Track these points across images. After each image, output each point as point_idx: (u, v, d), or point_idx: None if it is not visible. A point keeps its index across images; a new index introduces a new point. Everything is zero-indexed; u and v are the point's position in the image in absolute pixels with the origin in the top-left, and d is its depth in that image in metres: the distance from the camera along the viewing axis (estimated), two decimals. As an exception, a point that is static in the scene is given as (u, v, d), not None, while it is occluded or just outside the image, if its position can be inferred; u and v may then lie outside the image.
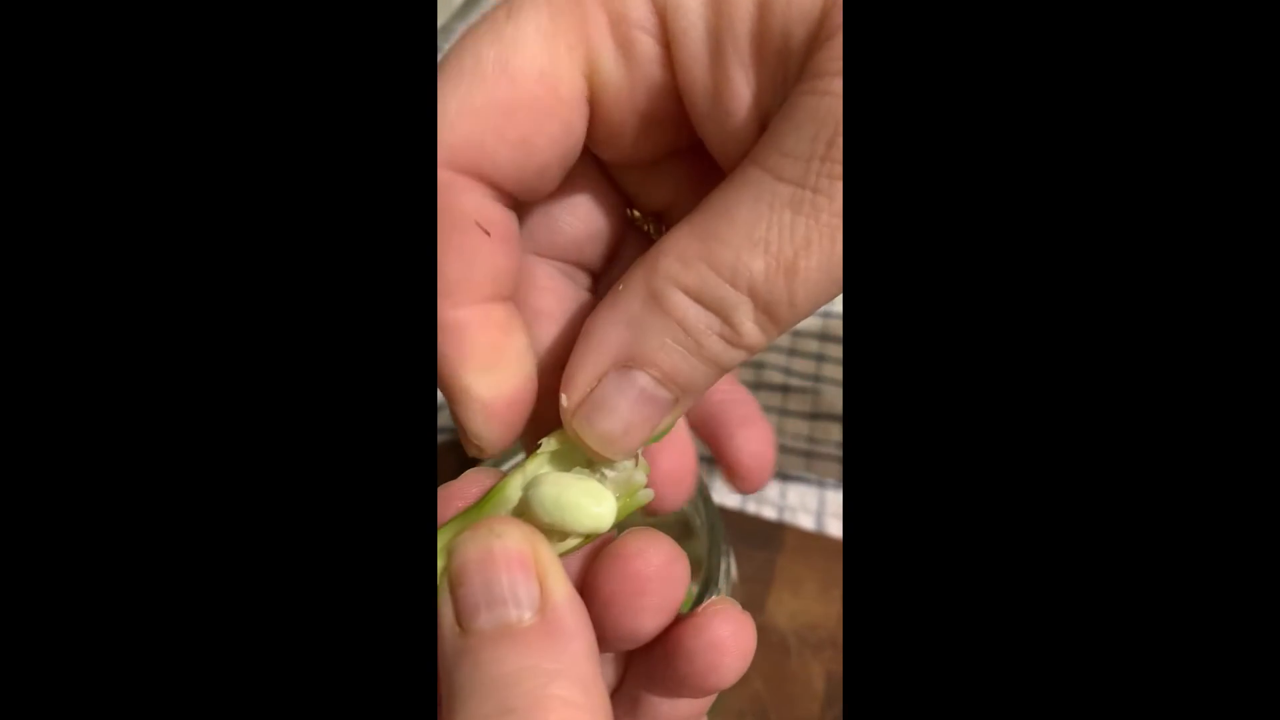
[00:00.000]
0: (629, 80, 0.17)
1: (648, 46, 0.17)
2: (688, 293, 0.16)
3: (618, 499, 0.19)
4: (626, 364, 0.17)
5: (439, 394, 0.18)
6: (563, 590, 0.17)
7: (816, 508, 0.44)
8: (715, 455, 0.23)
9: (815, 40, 0.16)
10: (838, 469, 0.46)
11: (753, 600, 0.41)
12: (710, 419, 0.26)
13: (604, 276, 0.22)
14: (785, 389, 0.50)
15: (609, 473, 0.19)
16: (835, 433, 0.48)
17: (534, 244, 0.21)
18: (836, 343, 0.52)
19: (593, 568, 0.19)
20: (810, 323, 0.53)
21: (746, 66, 0.17)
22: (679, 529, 0.38)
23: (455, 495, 0.19)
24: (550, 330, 0.20)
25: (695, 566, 0.39)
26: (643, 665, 0.20)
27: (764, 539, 0.43)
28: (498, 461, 0.29)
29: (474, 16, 0.77)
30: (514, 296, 0.19)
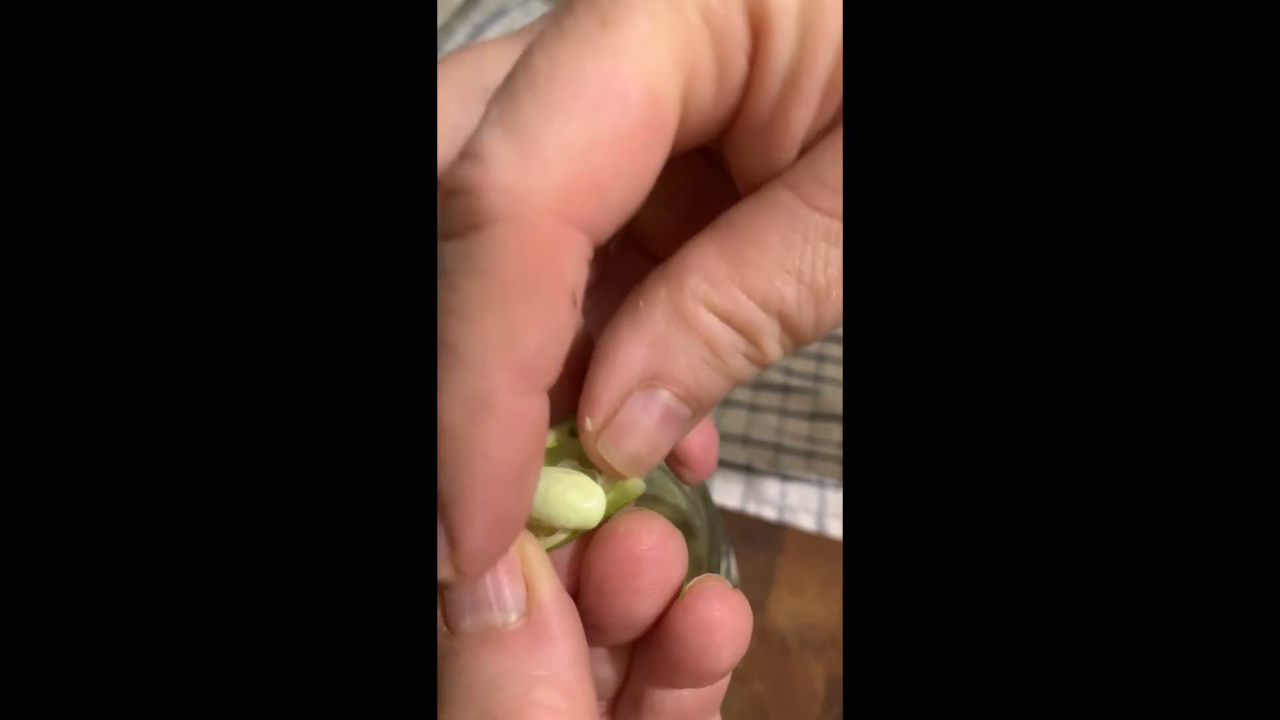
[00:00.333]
0: (714, 101, 0.16)
1: (741, 70, 0.16)
2: (717, 314, 0.16)
3: (608, 493, 0.19)
4: (650, 383, 0.17)
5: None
6: (549, 591, 0.17)
7: (817, 508, 0.44)
8: None
9: None
10: (838, 469, 0.46)
11: (753, 601, 0.41)
12: None
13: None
14: (786, 389, 0.50)
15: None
16: (836, 433, 0.48)
17: None
18: (837, 343, 0.52)
19: (586, 554, 0.19)
20: (811, 323, 0.53)
21: (812, 102, 0.16)
22: (680, 530, 0.38)
23: None
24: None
25: (695, 567, 0.39)
26: (644, 658, 0.19)
27: (764, 539, 0.43)
28: None
29: (475, 15, 0.77)
30: None
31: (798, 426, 0.48)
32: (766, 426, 0.49)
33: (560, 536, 0.19)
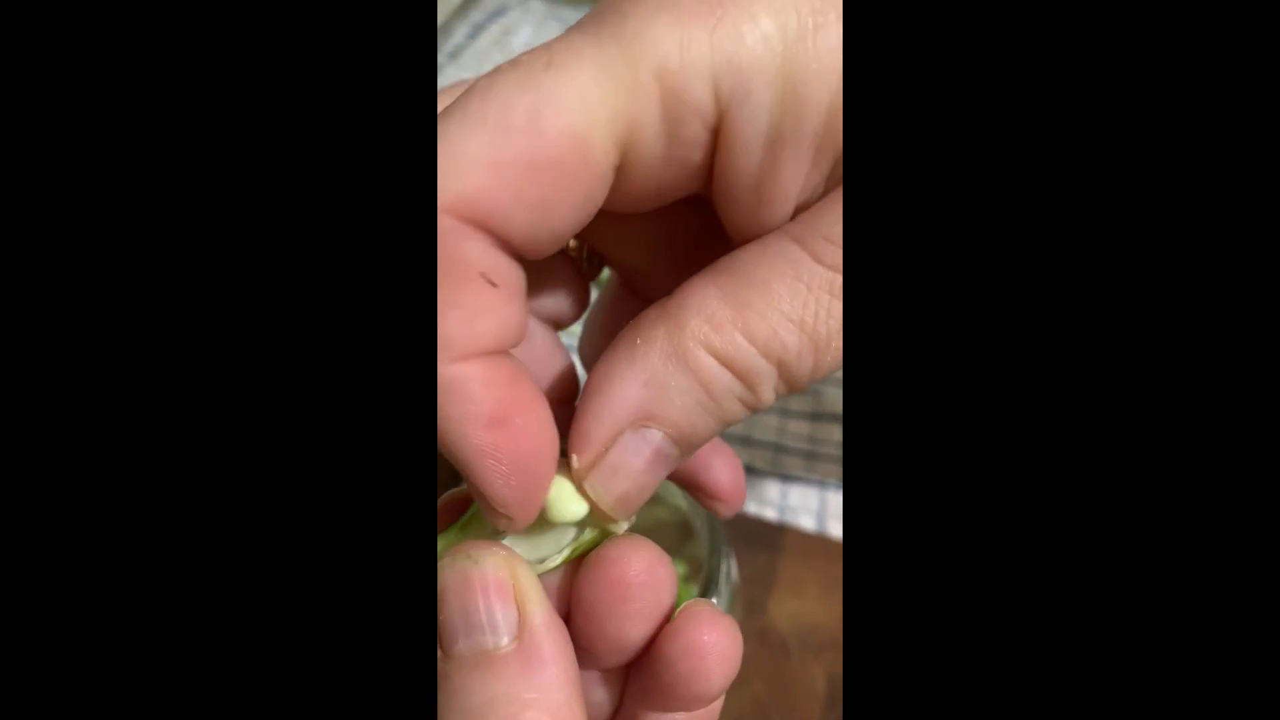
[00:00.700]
0: (664, 158, 0.17)
1: (696, 132, 0.16)
2: (716, 357, 0.16)
3: (599, 530, 0.19)
4: (643, 423, 0.17)
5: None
6: (541, 615, 0.17)
7: (818, 509, 0.44)
8: (691, 483, 0.23)
9: None
10: (839, 470, 0.46)
11: (754, 602, 0.41)
12: None
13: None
14: (786, 389, 0.50)
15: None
16: (836, 433, 0.48)
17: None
18: (838, 343, 0.52)
19: (576, 579, 0.19)
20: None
21: (802, 163, 0.16)
22: (680, 531, 0.38)
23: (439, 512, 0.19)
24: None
25: (696, 568, 0.39)
26: (636, 682, 0.20)
27: (765, 541, 0.43)
28: None
29: (474, 15, 0.77)
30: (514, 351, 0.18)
31: (798, 427, 0.48)
32: (767, 427, 0.48)
33: (553, 561, 0.19)
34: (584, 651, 0.18)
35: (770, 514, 0.44)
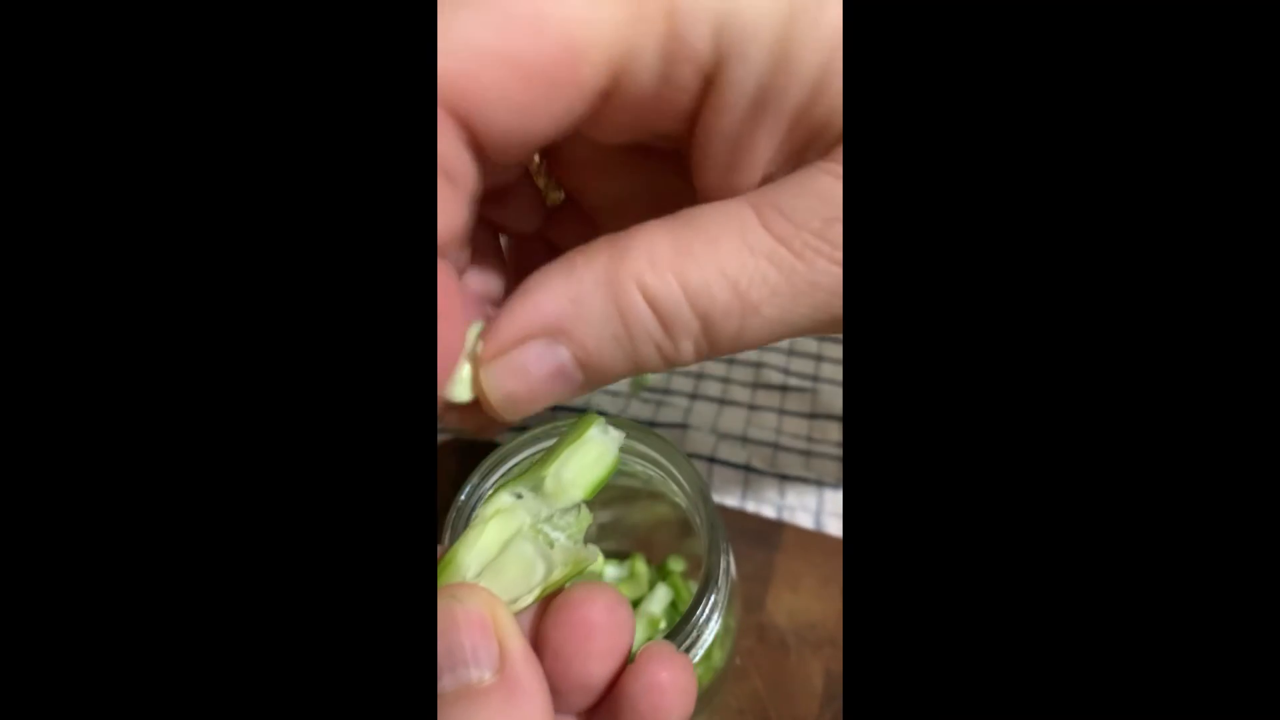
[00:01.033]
0: (654, 96, 0.17)
1: (689, 77, 0.16)
2: (645, 295, 0.17)
3: (566, 571, 0.20)
4: (556, 335, 0.17)
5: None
6: (520, 649, 0.18)
7: (815, 507, 0.45)
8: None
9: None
10: (835, 468, 0.46)
11: (752, 598, 0.41)
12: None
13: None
14: (784, 389, 0.51)
15: (557, 536, 0.20)
16: (833, 432, 0.48)
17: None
18: (835, 343, 0.52)
19: (543, 621, 0.20)
20: (808, 323, 0.53)
21: (777, 133, 0.17)
22: (679, 527, 0.38)
23: None
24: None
25: (695, 564, 0.40)
26: None
27: (763, 537, 0.43)
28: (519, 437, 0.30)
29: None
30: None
31: (796, 426, 0.49)
32: (765, 426, 0.49)
33: (524, 601, 0.20)
34: (552, 693, 0.19)
35: (768, 511, 0.44)
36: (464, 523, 0.29)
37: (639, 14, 0.16)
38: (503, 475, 0.31)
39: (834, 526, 0.44)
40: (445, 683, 0.17)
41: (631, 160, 0.20)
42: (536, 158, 0.22)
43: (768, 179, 0.17)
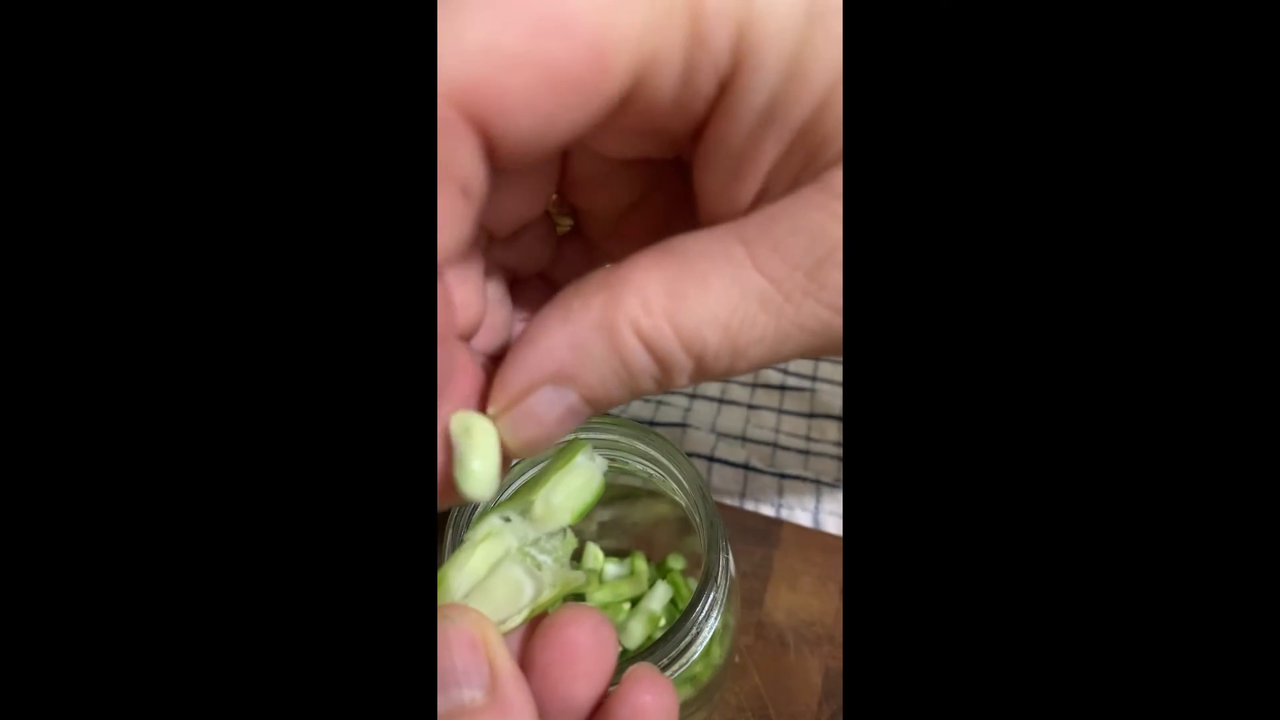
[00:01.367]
0: (673, 100, 0.16)
1: (707, 82, 0.16)
2: (641, 339, 0.17)
3: (554, 592, 0.21)
4: (563, 381, 0.18)
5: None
6: (509, 669, 0.18)
7: (813, 505, 0.45)
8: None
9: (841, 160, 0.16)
10: (834, 467, 0.47)
11: (751, 596, 0.42)
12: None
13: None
14: (783, 388, 0.51)
15: (545, 559, 0.21)
16: (831, 431, 0.48)
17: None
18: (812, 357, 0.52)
19: (529, 643, 0.20)
20: (807, 322, 0.53)
21: (782, 144, 0.16)
22: (679, 525, 0.39)
23: None
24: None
25: (694, 562, 0.40)
26: None
27: (762, 535, 0.44)
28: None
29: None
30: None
31: (794, 425, 0.49)
32: (764, 425, 0.49)
33: (513, 621, 0.20)
34: (538, 715, 0.19)
35: (767, 510, 0.45)
36: (463, 529, 0.30)
37: (666, 14, 0.15)
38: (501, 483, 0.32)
39: (832, 525, 0.44)
40: (437, 703, 0.17)
41: (633, 173, 0.20)
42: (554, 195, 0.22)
43: (765, 191, 0.17)
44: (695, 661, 0.30)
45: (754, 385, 0.51)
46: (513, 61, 0.14)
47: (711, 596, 0.29)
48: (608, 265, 0.20)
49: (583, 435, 0.32)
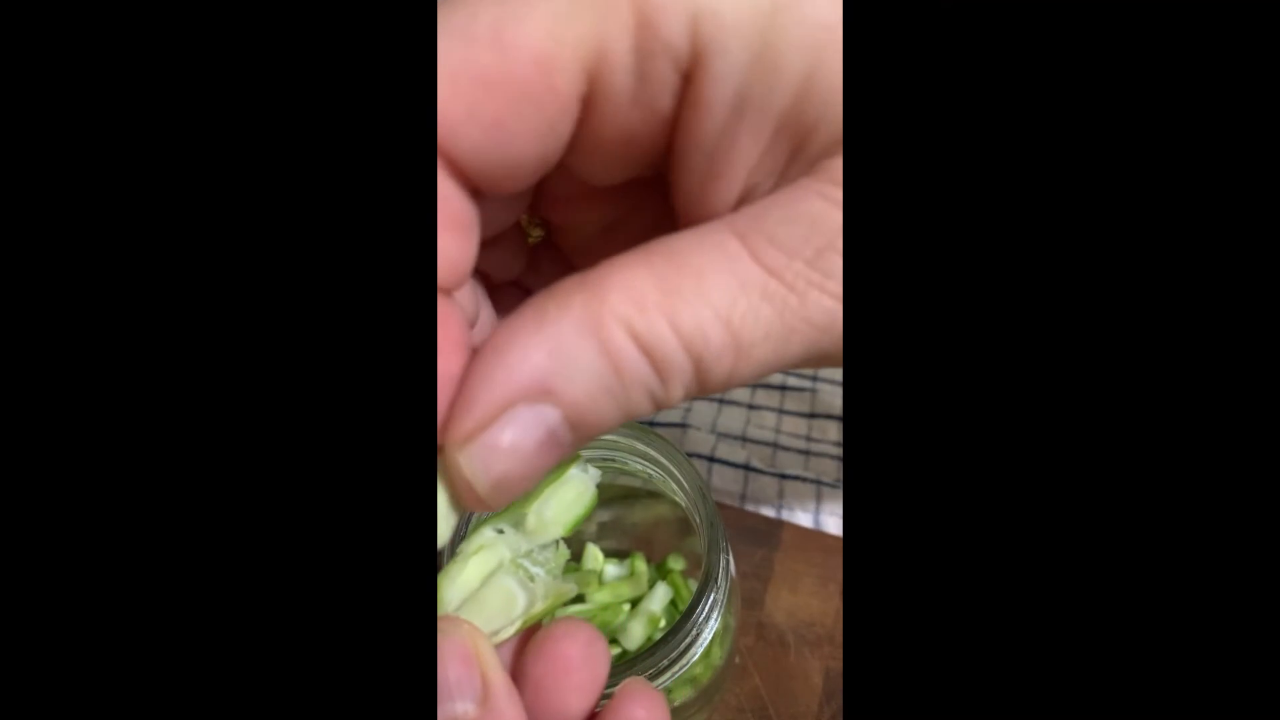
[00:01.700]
0: (633, 97, 0.15)
1: (666, 73, 0.15)
2: (636, 340, 0.15)
3: (546, 604, 0.21)
4: (540, 396, 0.15)
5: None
6: (502, 682, 0.18)
7: (814, 506, 0.45)
8: None
9: (836, 148, 0.15)
10: (834, 467, 0.47)
11: (751, 596, 0.42)
12: None
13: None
14: (783, 388, 0.51)
15: (537, 571, 0.21)
16: (832, 432, 0.48)
17: None
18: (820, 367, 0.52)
19: (521, 655, 0.20)
20: (807, 323, 0.53)
21: (761, 138, 0.15)
22: (679, 526, 0.39)
23: None
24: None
25: (694, 563, 0.40)
26: None
27: (762, 536, 0.44)
28: None
29: None
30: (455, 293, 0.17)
31: (795, 425, 0.49)
32: (764, 425, 0.49)
33: (505, 633, 0.20)
34: None
35: (767, 511, 0.45)
36: (458, 540, 0.30)
37: (606, 11, 0.15)
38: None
39: (833, 525, 0.44)
40: None
41: (611, 193, 0.19)
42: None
43: (749, 190, 0.16)
44: (696, 662, 0.30)
45: (754, 385, 0.51)
46: (458, 81, 0.14)
47: (712, 597, 0.29)
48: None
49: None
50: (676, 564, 0.40)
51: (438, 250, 0.16)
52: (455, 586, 0.21)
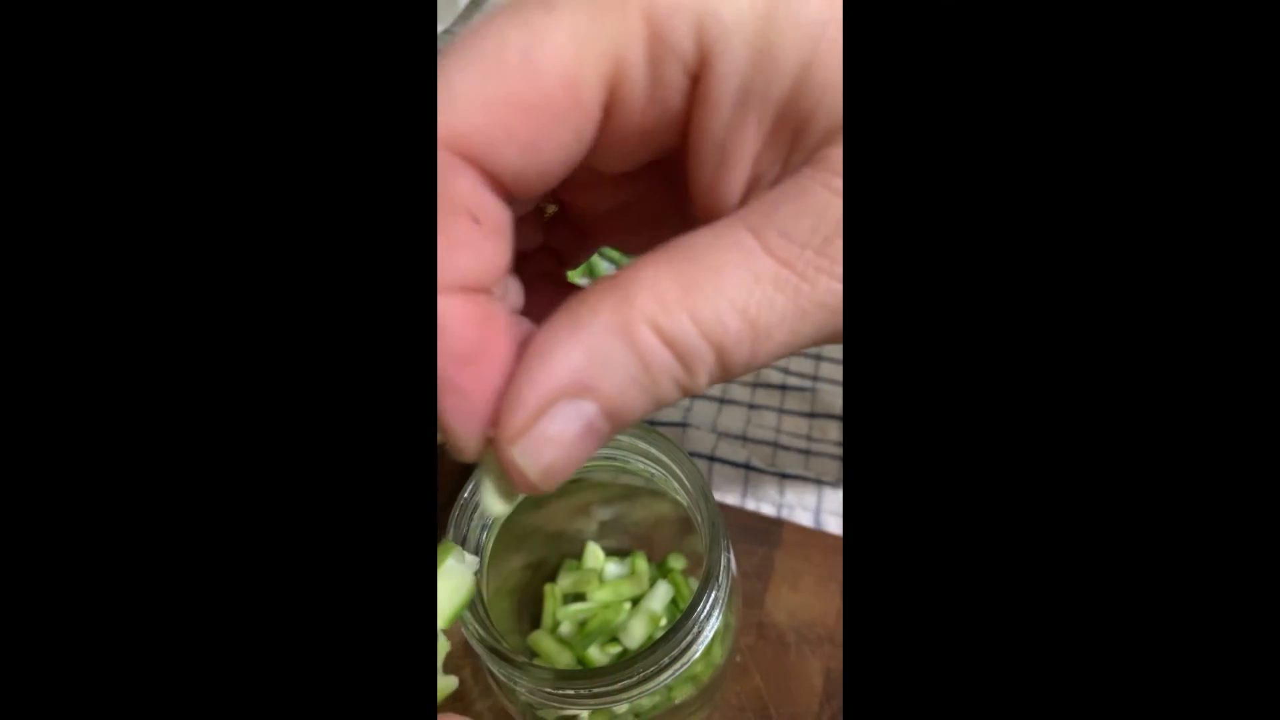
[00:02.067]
0: (647, 99, 0.17)
1: (676, 76, 0.17)
2: (660, 336, 0.17)
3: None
4: (579, 393, 0.17)
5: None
6: None
7: (814, 505, 0.45)
8: None
9: (834, 136, 0.17)
10: (835, 467, 0.47)
11: (752, 596, 0.42)
12: None
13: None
14: (784, 388, 0.51)
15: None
16: (832, 431, 0.48)
17: None
18: (834, 343, 0.52)
19: None
20: (808, 322, 0.53)
21: (763, 131, 0.17)
22: (681, 525, 0.39)
23: None
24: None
25: (695, 562, 0.40)
26: None
27: (763, 535, 0.44)
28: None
29: (477, 21, 0.78)
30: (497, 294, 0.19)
31: (795, 425, 0.49)
32: (765, 425, 0.49)
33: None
34: None
35: (768, 510, 0.45)
36: (464, 530, 0.30)
37: (622, 24, 0.16)
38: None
39: (833, 524, 0.44)
40: None
41: (624, 175, 0.20)
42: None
43: (757, 177, 0.18)
44: (696, 661, 0.30)
45: (755, 385, 0.51)
46: (492, 106, 0.16)
47: (713, 596, 0.29)
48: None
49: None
50: (677, 563, 0.40)
51: (477, 254, 0.17)
52: None
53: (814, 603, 0.41)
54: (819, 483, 0.46)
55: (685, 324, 0.16)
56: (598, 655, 0.37)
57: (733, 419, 0.49)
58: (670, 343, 0.17)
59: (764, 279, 0.16)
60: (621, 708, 0.30)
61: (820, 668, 0.39)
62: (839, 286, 0.16)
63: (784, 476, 0.46)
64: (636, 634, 0.37)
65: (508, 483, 0.18)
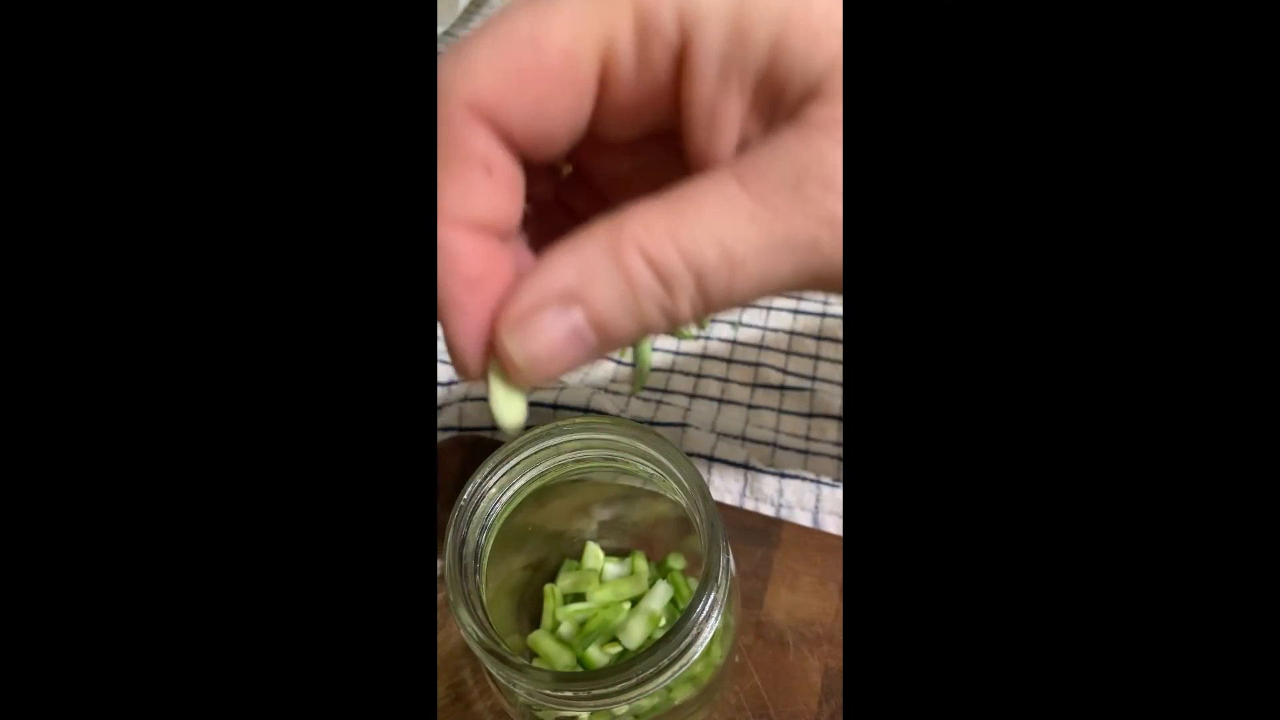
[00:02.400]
0: (636, 75, 0.20)
1: (661, 54, 0.19)
2: (644, 256, 0.19)
3: None
4: (569, 301, 0.19)
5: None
6: None
7: (813, 505, 0.45)
8: None
9: (810, 96, 0.19)
10: (833, 467, 0.47)
11: (751, 595, 0.42)
12: None
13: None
14: (782, 388, 0.51)
15: None
16: (831, 431, 0.49)
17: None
18: (833, 344, 0.53)
19: None
20: (808, 323, 0.53)
21: (744, 97, 0.19)
22: (680, 525, 0.39)
23: None
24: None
25: (694, 562, 0.40)
26: None
27: (762, 535, 0.44)
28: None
29: (476, 22, 0.78)
30: (507, 242, 0.21)
31: (794, 425, 0.49)
32: (764, 425, 0.49)
33: None
34: None
35: (767, 509, 0.45)
36: (464, 529, 0.30)
37: (613, 14, 0.19)
38: (505, 473, 0.32)
39: (832, 524, 0.44)
40: None
41: (629, 143, 0.23)
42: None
43: (744, 139, 0.20)
44: (696, 661, 0.30)
45: (754, 385, 0.51)
46: (506, 73, 0.19)
47: (712, 596, 0.29)
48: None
49: (582, 435, 0.32)
50: (677, 563, 0.40)
51: (490, 199, 0.20)
52: None
53: (813, 602, 0.41)
54: (818, 482, 0.46)
55: (668, 248, 0.19)
56: (597, 655, 0.37)
57: (732, 419, 0.49)
58: (653, 264, 0.19)
59: (739, 213, 0.18)
60: (621, 709, 0.30)
61: (819, 667, 0.39)
62: (811, 225, 0.18)
63: (783, 476, 0.46)
64: (636, 634, 0.37)
65: (510, 384, 0.20)
